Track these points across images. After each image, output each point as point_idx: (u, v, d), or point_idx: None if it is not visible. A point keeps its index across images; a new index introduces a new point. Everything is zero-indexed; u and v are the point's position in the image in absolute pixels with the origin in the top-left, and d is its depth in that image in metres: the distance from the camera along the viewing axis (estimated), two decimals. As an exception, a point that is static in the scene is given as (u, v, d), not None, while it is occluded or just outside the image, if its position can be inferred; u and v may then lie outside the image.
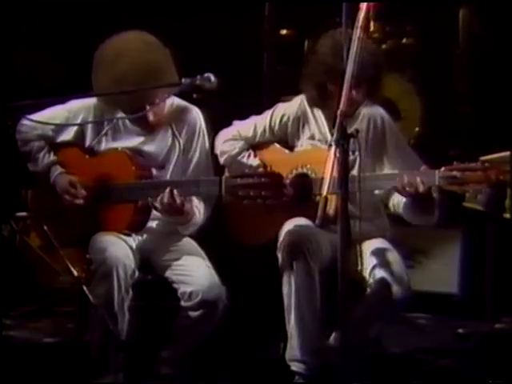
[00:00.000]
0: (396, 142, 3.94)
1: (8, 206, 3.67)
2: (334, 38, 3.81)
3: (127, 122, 3.85)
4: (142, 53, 3.73)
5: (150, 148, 3.86)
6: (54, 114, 3.86)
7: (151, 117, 3.79)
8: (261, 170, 3.77)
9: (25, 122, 3.85)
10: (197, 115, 3.91)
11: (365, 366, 3.67)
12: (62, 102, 3.85)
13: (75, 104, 3.86)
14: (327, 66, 3.80)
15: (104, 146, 3.88)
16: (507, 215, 4.00)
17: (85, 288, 3.40)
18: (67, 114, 3.87)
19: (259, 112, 4.12)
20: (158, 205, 3.70)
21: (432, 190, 3.68)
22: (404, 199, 3.78)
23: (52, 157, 3.90)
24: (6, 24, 5.03)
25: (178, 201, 3.67)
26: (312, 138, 3.98)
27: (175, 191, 3.67)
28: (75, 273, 3.42)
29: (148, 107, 3.72)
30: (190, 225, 3.82)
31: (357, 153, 3.29)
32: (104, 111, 3.86)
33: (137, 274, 3.72)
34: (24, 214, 3.83)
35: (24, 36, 5.33)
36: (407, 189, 3.65)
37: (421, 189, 3.63)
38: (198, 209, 3.83)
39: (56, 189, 3.84)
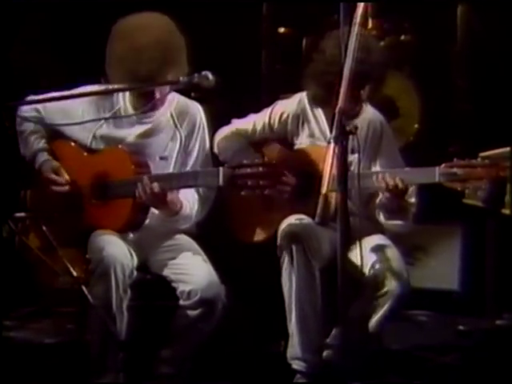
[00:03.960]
0: (388, 148, 3.95)
1: (7, 207, 3.66)
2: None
3: (130, 110, 3.83)
4: (162, 30, 3.74)
5: (152, 137, 3.84)
6: (55, 105, 3.82)
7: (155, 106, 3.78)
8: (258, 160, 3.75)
9: (28, 99, 3.81)
10: (197, 110, 3.91)
11: (366, 364, 3.67)
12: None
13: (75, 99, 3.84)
14: (337, 66, 3.78)
15: (106, 133, 3.83)
16: (507, 211, 3.99)
17: (84, 288, 3.39)
18: (68, 104, 3.80)
19: (257, 111, 4.12)
20: (141, 196, 3.66)
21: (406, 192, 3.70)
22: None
23: (42, 144, 3.87)
24: (5, 23, 5.03)
25: (156, 190, 3.64)
26: (312, 135, 3.98)
27: (155, 184, 3.64)
28: (74, 273, 3.42)
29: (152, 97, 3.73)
30: (181, 217, 3.79)
31: (355, 150, 3.30)
32: (106, 98, 3.83)
33: (135, 273, 3.71)
34: (23, 214, 3.82)
35: (23, 35, 5.32)
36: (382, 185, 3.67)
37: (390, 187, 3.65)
38: (189, 201, 3.80)
39: (41, 176, 3.83)
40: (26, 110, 3.86)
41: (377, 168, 3.90)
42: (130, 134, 3.83)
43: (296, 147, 4.01)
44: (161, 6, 3.87)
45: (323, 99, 3.90)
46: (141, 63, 3.67)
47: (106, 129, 3.85)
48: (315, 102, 3.96)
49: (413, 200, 3.83)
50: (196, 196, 3.83)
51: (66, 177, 3.82)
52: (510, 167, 3.61)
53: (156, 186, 3.64)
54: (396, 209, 3.77)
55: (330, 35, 3.91)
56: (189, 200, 3.81)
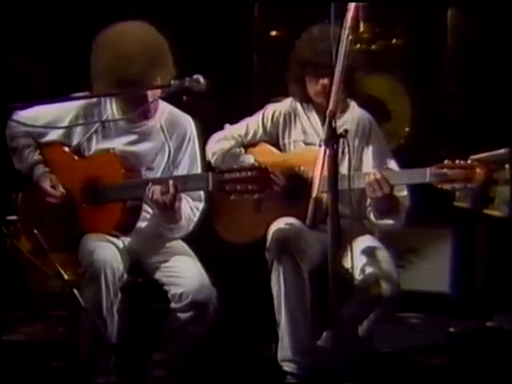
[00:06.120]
0: (377, 144, 3.96)
1: (-2, 210, 3.67)
2: (310, 32, 3.90)
3: (118, 117, 3.83)
4: (146, 35, 3.74)
5: (139, 147, 3.84)
6: (42, 112, 3.83)
7: (144, 115, 3.78)
8: (249, 162, 3.77)
9: (15, 117, 3.82)
10: (188, 122, 3.89)
11: (357, 366, 3.67)
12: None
13: (64, 104, 3.84)
14: (301, 59, 3.88)
15: (94, 143, 3.85)
16: (493, 212, 4.01)
17: (75, 291, 3.39)
18: (55, 115, 3.84)
19: (249, 114, 4.13)
20: (149, 195, 3.65)
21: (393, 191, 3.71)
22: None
23: (37, 156, 3.88)
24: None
25: (172, 190, 3.62)
26: (304, 133, 4.01)
27: (170, 182, 3.64)
28: (65, 276, 3.41)
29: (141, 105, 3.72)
30: (178, 227, 3.79)
31: (346, 152, 3.31)
32: (94, 107, 3.84)
33: (125, 276, 3.71)
34: (14, 217, 3.82)
35: (16, 39, 5.32)
36: (370, 188, 3.68)
37: (379, 190, 3.66)
38: (187, 213, 3.80)
39: (38, 188, 3.83)
40: (14, 126, 3.84)
41: (369, 164, 3.91)
42: (119, 143, 3.82)
43: (288, 148, 4.02)
44: (151, 9, 3.88)
45: (299, 94, 3.96)
46: (127, 68, 3.65)
47: (94, 140, 3.85)
48: (294, 97, 4.00)
49: (404, 193, 3.83)
50: (193, 210, 3.82)
51: (62, 190, 3.82)
52: (510, 169, 3.63)
53: (172, 185, 3.62)
54: (386, 208, 3.78)
55: (303, 33, 3.97)
56: (187, 212, 3.80)
